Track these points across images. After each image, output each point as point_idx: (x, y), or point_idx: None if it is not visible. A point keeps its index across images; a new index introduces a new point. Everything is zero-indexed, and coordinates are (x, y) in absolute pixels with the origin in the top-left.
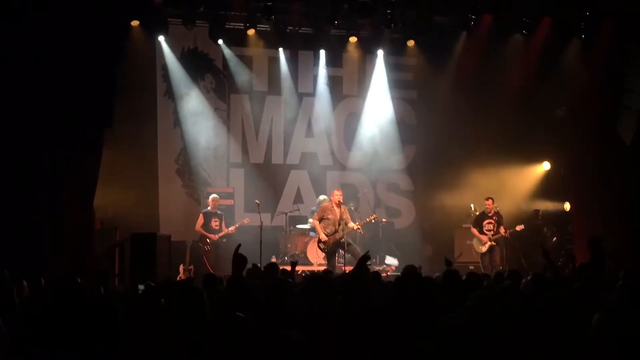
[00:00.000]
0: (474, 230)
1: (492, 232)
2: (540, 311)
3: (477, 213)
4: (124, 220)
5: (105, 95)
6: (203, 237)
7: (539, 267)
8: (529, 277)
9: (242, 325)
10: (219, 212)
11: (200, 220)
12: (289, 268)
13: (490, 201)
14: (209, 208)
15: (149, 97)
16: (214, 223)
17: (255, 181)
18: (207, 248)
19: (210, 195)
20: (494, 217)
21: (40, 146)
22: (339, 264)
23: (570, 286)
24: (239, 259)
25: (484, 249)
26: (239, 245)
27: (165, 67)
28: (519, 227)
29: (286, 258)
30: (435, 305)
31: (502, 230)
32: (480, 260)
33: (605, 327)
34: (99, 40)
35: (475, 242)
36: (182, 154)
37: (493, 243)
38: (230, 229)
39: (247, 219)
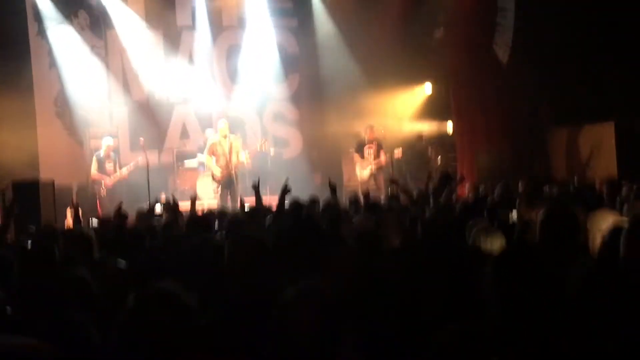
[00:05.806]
0: (356, 156)
1: (372, 157)
2: None
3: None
4: (3, 167)
5: None
6: (97, 182)
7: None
8: None
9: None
10: (112, 154)
11: (95, 164)
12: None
13: (369, 128)
14: (102, 153)
15: (21, 38)
16: (108, 166)
17: (139, 119)
18: (103, 193)
19: (104, 140)
20: (373, 143)
21: None
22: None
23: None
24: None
25: (365, 174)
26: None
27: (35, 6)
28: (396, 152)
29: (172, 195)
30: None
31: (382, 155)
32: (359, 185)
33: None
34: None
35: (357, 168)
36: (60, 95)
37: (373, 167)
38: (124, 172)
39: (140, 158)
